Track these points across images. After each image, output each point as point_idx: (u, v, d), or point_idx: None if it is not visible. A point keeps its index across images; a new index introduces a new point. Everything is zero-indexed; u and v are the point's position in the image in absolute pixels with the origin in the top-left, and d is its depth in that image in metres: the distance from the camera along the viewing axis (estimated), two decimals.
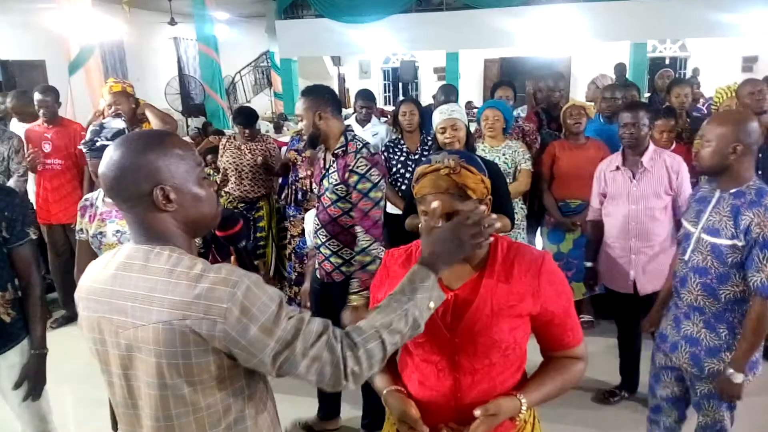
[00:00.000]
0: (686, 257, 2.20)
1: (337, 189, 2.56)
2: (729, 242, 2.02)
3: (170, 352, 1.11)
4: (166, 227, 1.19)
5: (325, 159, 2.70)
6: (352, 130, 2.67)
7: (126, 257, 1.19)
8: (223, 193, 4.40)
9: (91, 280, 1.23)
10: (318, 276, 2.79)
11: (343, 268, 2.66)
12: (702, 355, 2.16)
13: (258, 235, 4.31)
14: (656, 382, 2.43)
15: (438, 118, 2.90)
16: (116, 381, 1.22)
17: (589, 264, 3.28)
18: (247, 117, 4.38)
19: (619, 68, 7.34)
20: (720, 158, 2.03)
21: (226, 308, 1.09)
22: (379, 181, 2.51)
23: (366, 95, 4.90)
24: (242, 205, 4.32)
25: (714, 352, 2.13)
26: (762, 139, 2.16)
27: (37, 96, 4.32)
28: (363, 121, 4.80)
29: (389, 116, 8.56)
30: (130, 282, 1.15)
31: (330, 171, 2.61)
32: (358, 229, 2.55)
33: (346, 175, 2.51)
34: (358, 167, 2.49)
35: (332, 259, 2.67)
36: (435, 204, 1.32)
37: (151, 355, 1.12)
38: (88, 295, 1.22)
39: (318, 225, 2.70)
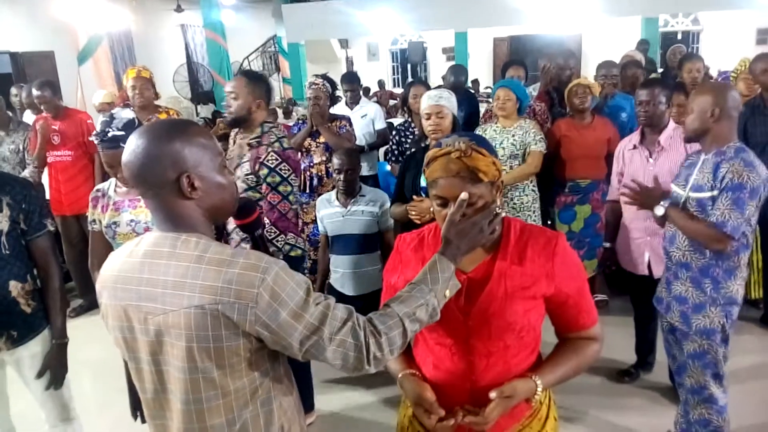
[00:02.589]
0: None
1: (248, 179, 2.60)
2: (709, 194, 2.21)
3: (201, 336, 1.14)
4: (190, 214, 1.22)
5: (240, 146, 2.71)
6: (271, 122, 2.71)
7: (152, 245, 1.21)
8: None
9: (116, 270, 1.25)
10: None
11: None
12: (689, 312, 2.33)
13: None
14: (669, 345, 2.56)
15: (425, 102, 2.79)
16: (145, 367, 1.25)
17: (607, 245, 3.25)
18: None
19: (643, 44, 7.63)
20: (701, 122, 2.25)
21: (257, 293, 1.12)
22: (288, 176, 2.57)
23: (349, 78, 4.99)
24: None
25: (700, 308, 2.30)
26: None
27: (34, 92, 4.34)
28: (352, 104, 4.85)
29: (398, 99, 8.54)
30: (159, 269, 1.17)
31: (243, 160, 2.64)
32: (265, 219, 2.57)
33: (257, 166, 2.56)
34: (268, 160, 2.55)
35: None
36: (464, 195, 1.30)
37: (182, 339, 1.15)
38: (115, 284, 1.24)
39: None
